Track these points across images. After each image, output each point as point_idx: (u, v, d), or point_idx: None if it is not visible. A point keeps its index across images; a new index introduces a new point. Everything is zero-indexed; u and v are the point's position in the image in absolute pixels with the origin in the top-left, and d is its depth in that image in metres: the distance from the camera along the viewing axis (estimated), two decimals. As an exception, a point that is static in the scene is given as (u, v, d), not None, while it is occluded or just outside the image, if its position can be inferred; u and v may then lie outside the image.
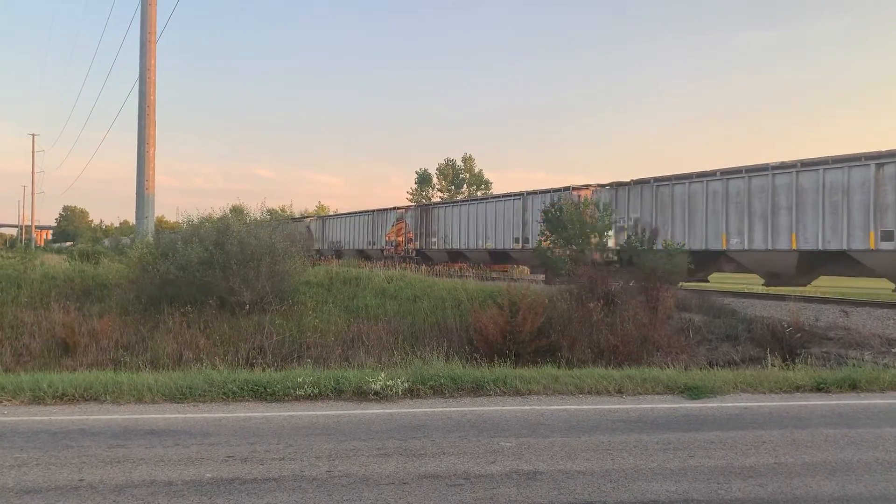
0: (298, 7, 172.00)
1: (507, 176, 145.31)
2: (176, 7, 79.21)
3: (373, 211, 41.23)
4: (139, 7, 26.34)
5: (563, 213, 22.13)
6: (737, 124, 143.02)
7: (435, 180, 73.41)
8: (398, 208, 38.35)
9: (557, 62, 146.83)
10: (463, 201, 32.57)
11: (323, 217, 46.39)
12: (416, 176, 74.06)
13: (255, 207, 22.60)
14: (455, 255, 33.06)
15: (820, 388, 9.89)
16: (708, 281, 22.87)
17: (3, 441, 6.77)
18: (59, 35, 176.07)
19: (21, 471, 5.84)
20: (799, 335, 14.94)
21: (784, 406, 8.95)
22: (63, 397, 8.68)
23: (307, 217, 48.59)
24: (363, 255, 39.36)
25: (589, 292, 16.85)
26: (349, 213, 44.02)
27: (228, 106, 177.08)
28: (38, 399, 8.61)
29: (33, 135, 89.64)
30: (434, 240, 34.51)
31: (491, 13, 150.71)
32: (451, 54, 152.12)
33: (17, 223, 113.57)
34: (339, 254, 41.14)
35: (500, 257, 30.52)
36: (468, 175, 72.45)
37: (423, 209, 36.23)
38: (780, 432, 7.45)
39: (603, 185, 25.12)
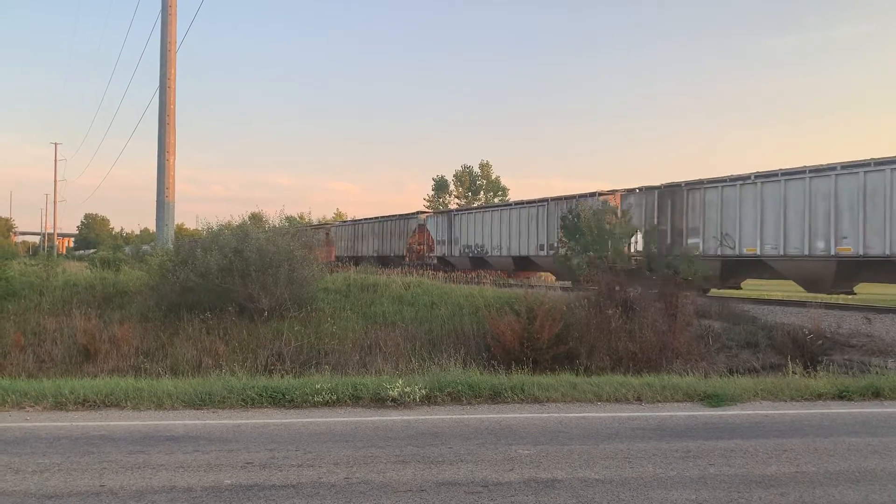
0: (313, 16, 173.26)
1: (522, 183, 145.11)
2: (195, 18, 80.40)
3: (548, 199, 27.25)
4: (159, 18, 26.68)
5: (581, 220, 22.05)
6: (760, 126, 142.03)
7: (452, 187, 73.60)
8: (602, 194, 24.77)
9: (573, 67, 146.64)
10: (770, 175, 19.40)
11: (451, 212, 34.33)
12: (433, 182, 74.41)
13: (273, 214, 22.76)
14: (746, 267, 20.80)
15: (842, 395, 9.77)
16: None
17: (26, 446, 6.85)
18: (81, 46, 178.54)
19: (43, 476, 5.90)
20: (820, 342, 14.76)
21: (805, 414, 8.84)
22: (84, 403, 8.77)
23: (421, 213, 37.27)
24: (529, 264, 28.81)
25: (607, 299, 16.77)
26: (500, 205, 32.32)
27: (245, 114, 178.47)
28: (59, 405, 8.71)
29: (55, 144, 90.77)
30: (697, 241, 20.88)
31: (504, 19, 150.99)
32: (465, 61, 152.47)
33: (39, 231, 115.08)
34: (479, 262, 31.38)
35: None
36: (485, 182, 72.57)
37: (669, 191, 22.12)
38: (802, 441, 7.36)
39: None
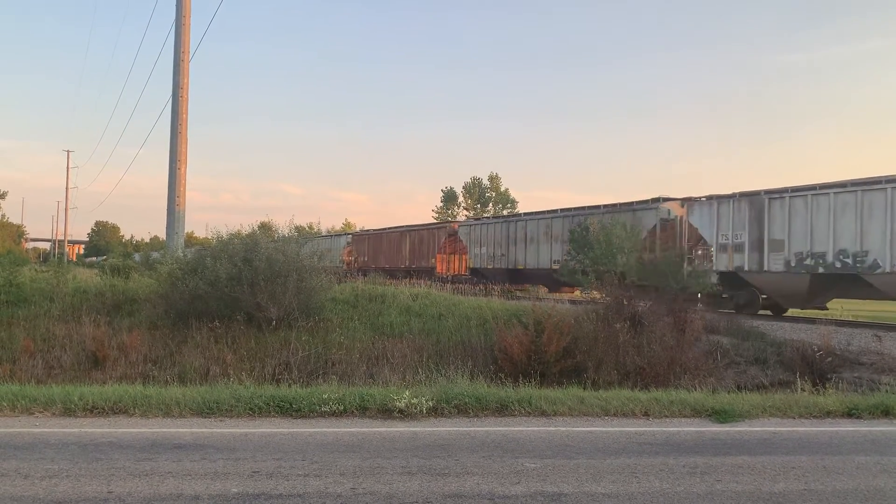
0: (323, 26, 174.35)
1: (531, 196, 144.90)
2: (209, 28, 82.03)
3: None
4: (173, 28, 26.93)
5: (590, 234, 22.05)
6: (769, 140, 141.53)
7: (461, 198, 73.77)
8: None
9: (581, 77, 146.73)
10: None
11: (754, 195, 20.34)
12: (441, 194, 74.57)
13: (283, 224, 22.81)
14: None
15: (851, 413, 9.72)
16: None
17: (35, 452, 6.89)
18: (95, 55, 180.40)
19: (52, 482, 5.93)
20: (830, 359, 14.69)
21: (814, 431, 8.80)
22: (93, 410, 8.81)
23: (666, 199, 23.55)
24: None
25: (615, 313, 16.73)
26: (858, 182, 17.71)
27: (256, 123, 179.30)
28: (69, 411, 8.75)
29: (68, 151, 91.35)
30: None
31: (513, 31, 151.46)
32: (473, 71, 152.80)
33: (50, 237, 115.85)
34: (849, 285, 18.39)
35: None
36: (494, 194, 72.71)
37: None
38: (811, 458, 7.32)
39: None
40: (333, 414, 8.94)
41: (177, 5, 26.66)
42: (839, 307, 20.93)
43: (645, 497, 5.87)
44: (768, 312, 20.81)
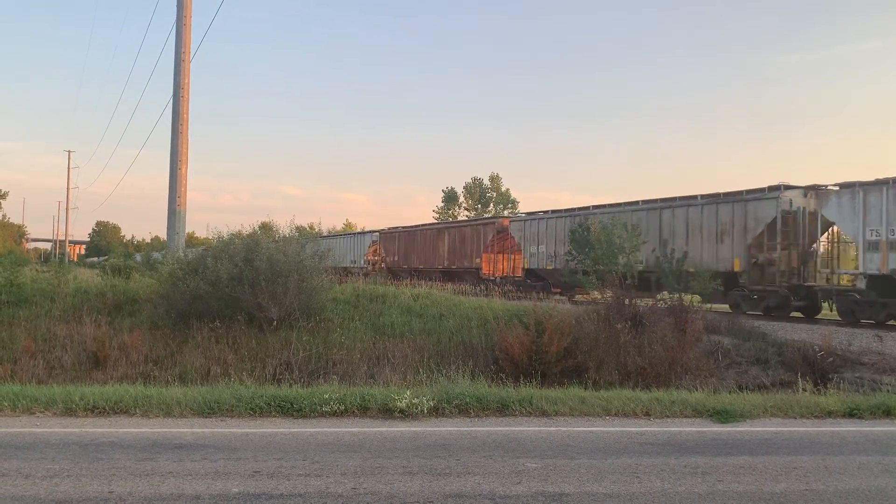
0: (324, 28, 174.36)
1: (532, 196, 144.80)
2: (209, 29, 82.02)
3: None
4: (174, 28, 26.94)
5: (591, 234, 22.01)
6: (772, 140, 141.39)
7: (461, 199, 73.75)
8: None
9: (581, 79, 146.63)
10: None
11: None
12: (442, 194, 74.56)
13: (284, 224, 22.78)
14: None
15: (853, 414, 9.72)
16: None
17: (36, 452, 6.90)
18: (95, 55, 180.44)
19: (53, 482, 5.93)
20: (831, 360, 14.68)
21: (816, 432, 8.80)
22: (94, 410, 8.82)
23: (789, 187, 20.18)
24: None
25: (616, 313, 16.73)
26: None
27: (256, 123, 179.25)
28: (70, 411, 8.76)
29: (69, 152, 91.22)
30: None
31: (513, 33, 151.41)
32: (472, 71, 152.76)
33: (51, 238, 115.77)
34: None
35: None
36: (495, 194, 72.70)
37: None
38: (812, 458, 7.32)
39: None
40: (334, 414, 8.94)
41: (177, 6, 26.66)
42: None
43: (646, 497, 5.86)
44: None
